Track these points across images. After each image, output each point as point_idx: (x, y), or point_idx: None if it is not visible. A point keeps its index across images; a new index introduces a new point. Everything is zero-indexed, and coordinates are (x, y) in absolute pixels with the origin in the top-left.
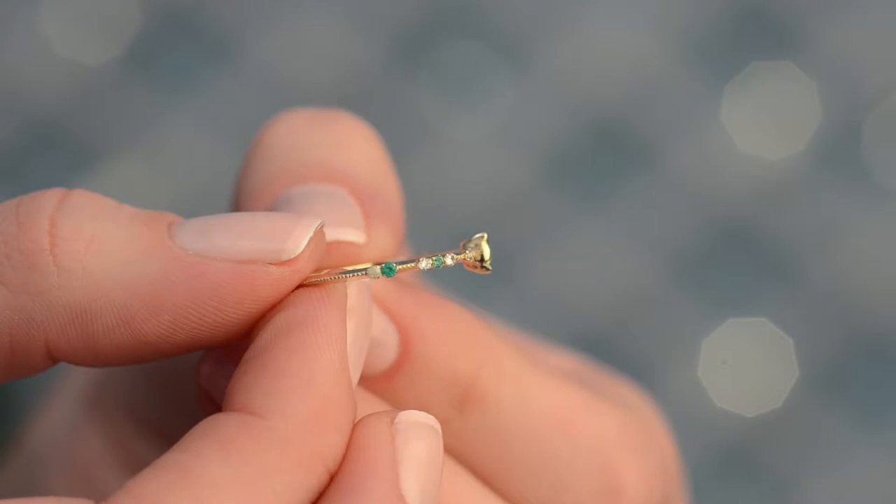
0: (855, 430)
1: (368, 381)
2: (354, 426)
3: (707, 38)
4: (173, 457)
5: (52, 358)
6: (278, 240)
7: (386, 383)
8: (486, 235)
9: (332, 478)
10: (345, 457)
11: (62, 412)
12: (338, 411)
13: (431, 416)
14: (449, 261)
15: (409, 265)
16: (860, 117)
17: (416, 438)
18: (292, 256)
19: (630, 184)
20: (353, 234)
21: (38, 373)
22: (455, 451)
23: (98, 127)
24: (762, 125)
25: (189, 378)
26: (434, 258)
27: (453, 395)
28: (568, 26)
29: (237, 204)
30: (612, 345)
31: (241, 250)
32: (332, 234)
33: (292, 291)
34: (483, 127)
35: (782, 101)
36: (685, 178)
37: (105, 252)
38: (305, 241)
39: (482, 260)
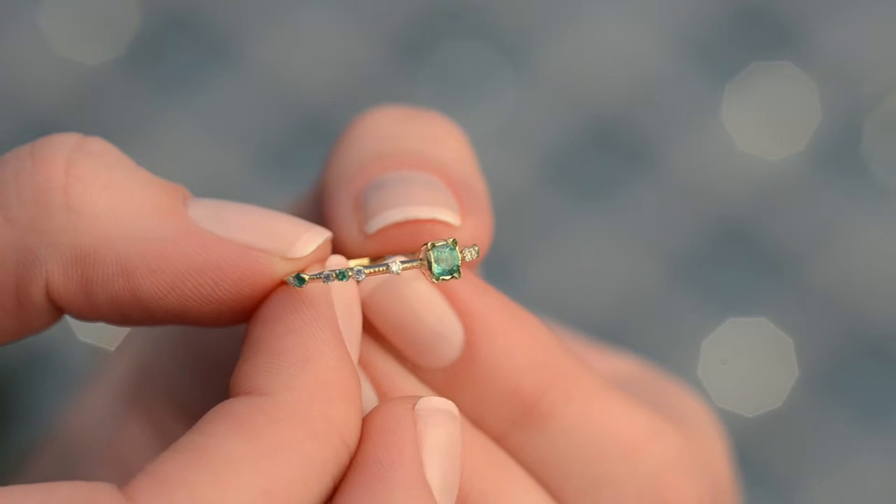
0: (855, 430)
1: (426, 375)
2: (376, 410)
3: (707, 38)
4: (189, 439)
5: (52, 302)
6: (288, 241)
7: (444, 380)
8: (434, 244)
9: (353, 462)
10: (368, 441)
11: (100, 404)
12: (342, 381)
13: (451, 402)
14: (361, 276)
15: (319, 276)
16: (860, 117)
17: (437, 425)
18: (298, 256)
19: (630, 184)
20: (449, 216)
21: (42, 327)
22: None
23: (98, 127)
24: (762, 125)
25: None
26: (353, 270)
27: (514, 409)
28: (568, 26)
29: (323, 188)
30: (612, 345)
31: (252, 242)
32: (428, 213)
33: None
34: (483, 127)
35: (782, 101)
36: (685, 179)
37: (118, 202)
38: (313, 247)
39: (431, 272)
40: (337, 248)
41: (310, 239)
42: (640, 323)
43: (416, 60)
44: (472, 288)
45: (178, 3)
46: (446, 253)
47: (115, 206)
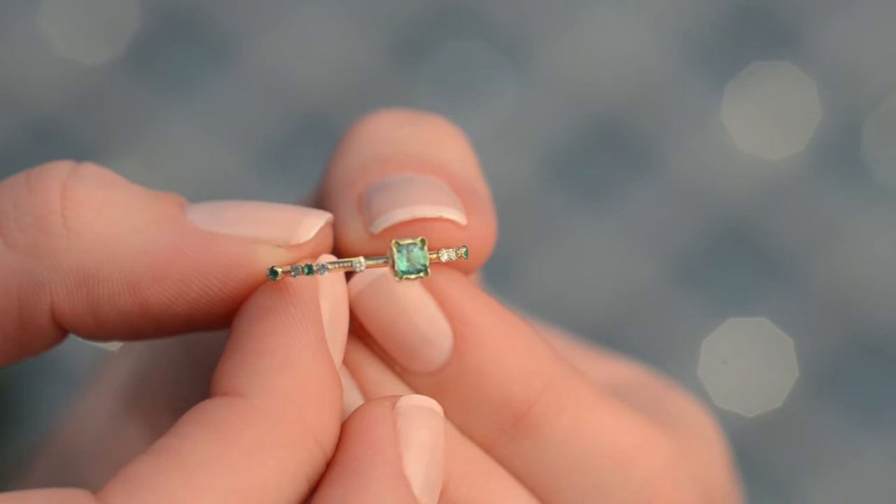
0: (855, 430)
1: (414, 380)
2: (356, 411)
3: (707, 38)
4: (163, 441)
5: (57, 325)
6: (289, 229)
7: (431, 386)
8: (398, 242)
9: (332, 462)
10: (345, 440)
11: (99, 409)
12: (321, 386)
13: (433, 400)
14: (325, 272)
15: (289, 271)
16: (860, 117)
17: (418, 422)
18: (301, 242)
19: (630, 184)
20: (456, 215)
21: (43, 350)
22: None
23: (98, 127)
24: (762, 125)
25: None
26: (317, 265)
27: (503, 419)
28: (568, 26)
29: (325, 192)
30: (612, 345)
31: (252, 235)
32: (435, 211)
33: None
34: (483, 127)
35: (782, 101)
36: (685, 178)
37: (116, 219)
38: (316, 230)
39: (395, 269)
40: (341, 249)
41: (311, 223)
42: (640, 323)
43: (416, 60)
44: (463, 292)
45: (178, 3)
46: (414, 252)
47: (113, 223)
